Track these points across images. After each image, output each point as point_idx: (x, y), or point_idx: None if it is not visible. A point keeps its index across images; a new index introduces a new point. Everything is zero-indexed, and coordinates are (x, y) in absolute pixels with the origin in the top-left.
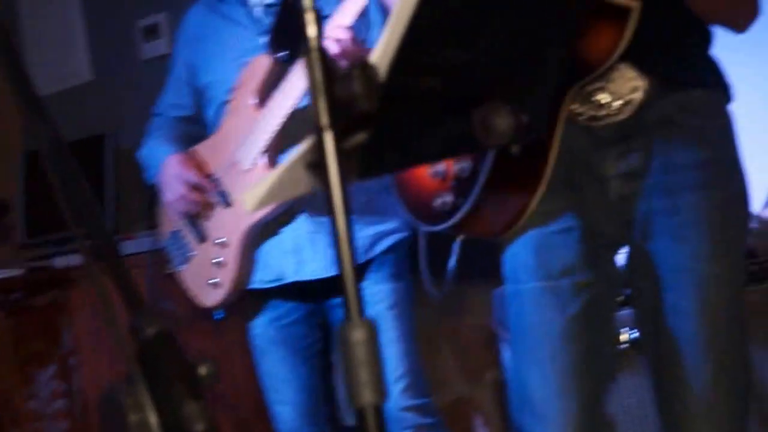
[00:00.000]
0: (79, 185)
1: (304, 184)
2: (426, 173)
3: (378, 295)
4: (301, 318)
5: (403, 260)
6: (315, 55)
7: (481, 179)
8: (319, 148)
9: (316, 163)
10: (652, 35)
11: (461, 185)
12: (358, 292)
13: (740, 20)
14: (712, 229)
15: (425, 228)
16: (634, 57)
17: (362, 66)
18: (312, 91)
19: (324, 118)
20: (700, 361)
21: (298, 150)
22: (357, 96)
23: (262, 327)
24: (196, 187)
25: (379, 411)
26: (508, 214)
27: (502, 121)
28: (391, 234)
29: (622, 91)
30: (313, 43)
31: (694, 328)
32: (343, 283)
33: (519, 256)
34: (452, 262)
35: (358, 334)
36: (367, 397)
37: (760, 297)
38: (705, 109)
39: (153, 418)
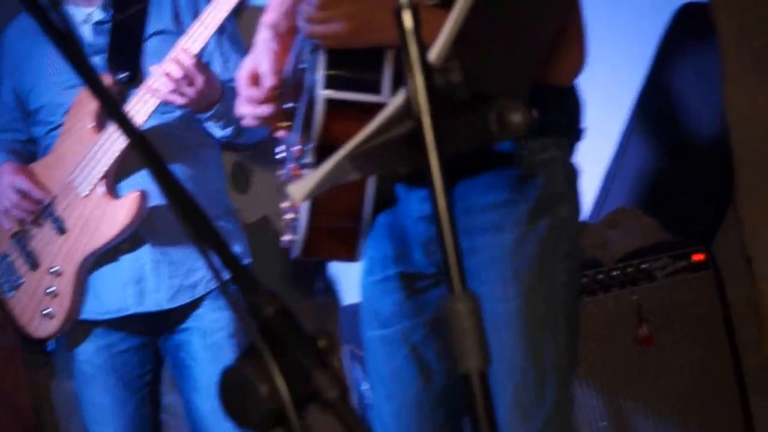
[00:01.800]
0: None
1: (349, 173)
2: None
3: (219, 322)
4: (135, 347)
5: None
6: (413, 41)
7: (305, 224)
8: (418, 131)
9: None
10: None
11: (293, 228)
12: (461, 265)
13: (567, 77)
14: (505, 270)
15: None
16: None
17: (456, 59)
18: (411, 74)
19: (424, 103)
20: (499, 404)
21: (354, 139)
22: (456, 86)
23: (90, 354)
24: (28, 196)
25: (483, 375)
26: (343, 253)
27: (518, 117)
28: None
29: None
30: (410, 29)
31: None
32: (446, 257)
33: (361, 302)
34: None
35: (461, 306)
36: (471, 362)
37: (611, 304)
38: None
39: (283, 388)
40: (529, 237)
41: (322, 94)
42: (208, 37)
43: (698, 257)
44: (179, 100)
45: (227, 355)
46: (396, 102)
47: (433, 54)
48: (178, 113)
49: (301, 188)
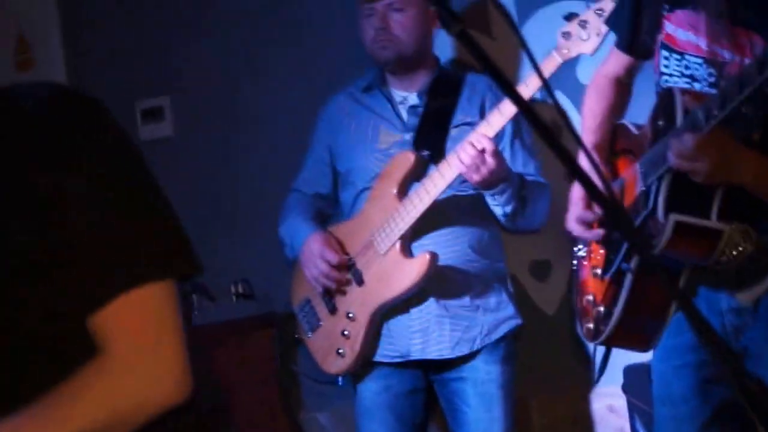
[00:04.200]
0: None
1: None
2: (584, 300)
3: (490, 374)
4: (410, 391)
5: (513, 346)
6: None
7: (614, 320)
8: None
9: None
10: (757, 203)
11: (598, 320)
12: None
13: None
14: None
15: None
16: (745, 217)
17: None
18: None
19: None
20: None
21: None
22: None
23: (372, 392)
24: (336, 267)
25: None
26: (639, 344)
27: None
28: (507, 321)
29: (738, 242)
30: None
31: None
32: None
33: (653, 382)
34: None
35: None
36: None
37: None
38: None
39: None
40: None
41: (674, 217)
42: (503, 124)
43: None
44: (474, 177)
45: (496, 404)
46: None
47: None
48: (470, 191)
49: (751, 296)
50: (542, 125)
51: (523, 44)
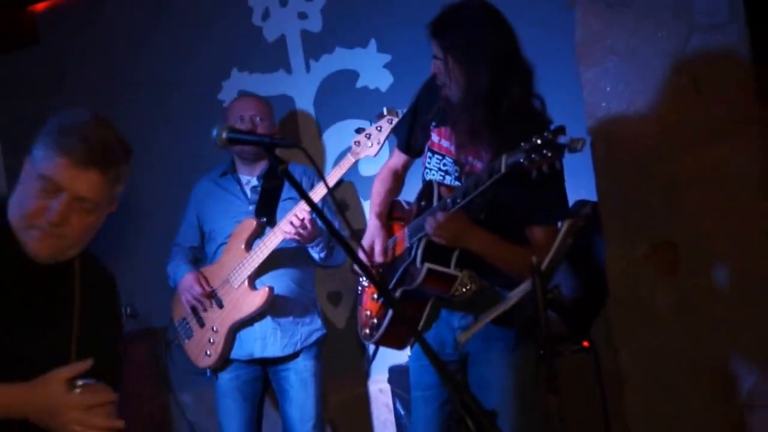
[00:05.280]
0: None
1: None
2: (364, 314)
3: (307, 366)
4: (253, 378)
5: (321, 348)
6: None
7: (382, 329)
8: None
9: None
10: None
11: (372, 328)
12: None
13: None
14: (510, 362)
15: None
16: (473, 268)
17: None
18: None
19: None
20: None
21: (506, 305)
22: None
23: (227, 379)
24: (202, 295)
25: None
26: (398, 345)
27: None
28: (317, 331)
29: (466, 283)
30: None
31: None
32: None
33: (411, 375)
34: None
35: None
36: None
37: None
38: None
39: None
40: (521, 346)
41: (427, 265)
42: (317, 201)
43: (586, 344)
44: (297, 238)
45: (310, 386)
46: (525, 289)
47: (544, 265)
48: (294, 244)
49: (467, 334)
50: (328, 224)
51: (317, 170)
